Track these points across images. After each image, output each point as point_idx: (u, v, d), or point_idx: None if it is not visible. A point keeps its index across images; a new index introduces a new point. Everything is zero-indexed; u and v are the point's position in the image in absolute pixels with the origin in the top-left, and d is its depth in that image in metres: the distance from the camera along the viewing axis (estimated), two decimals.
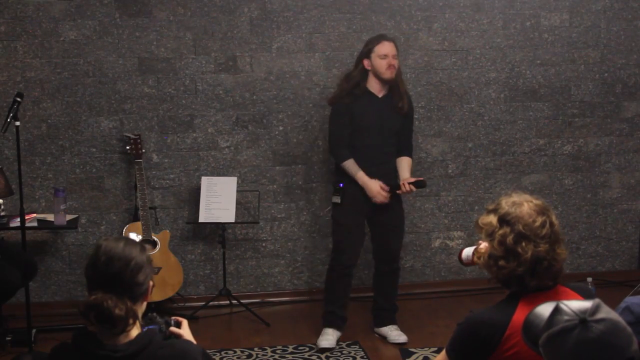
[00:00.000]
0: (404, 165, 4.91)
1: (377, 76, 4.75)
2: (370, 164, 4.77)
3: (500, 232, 2.45)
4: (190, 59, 5.38)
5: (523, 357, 2.34)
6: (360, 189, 4.77)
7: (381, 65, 4.72)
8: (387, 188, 4.76)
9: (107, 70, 5.31)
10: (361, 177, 4.75)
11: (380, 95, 4.80)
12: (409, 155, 4.95)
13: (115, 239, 2.39)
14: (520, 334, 2.08)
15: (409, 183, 4.76)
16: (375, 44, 4.75)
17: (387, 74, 4.73)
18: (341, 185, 4.82)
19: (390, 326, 4.96)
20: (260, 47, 5.43)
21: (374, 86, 4.79)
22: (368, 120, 4.76)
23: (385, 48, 4.73)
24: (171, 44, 5.35)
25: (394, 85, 4.80)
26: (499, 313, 2.44)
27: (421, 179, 4.86)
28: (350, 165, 4.76)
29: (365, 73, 4.78)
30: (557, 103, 5.77)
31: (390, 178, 4.84)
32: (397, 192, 4.80)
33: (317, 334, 4.95)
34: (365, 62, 4.75)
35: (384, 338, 4.94)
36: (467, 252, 2.75)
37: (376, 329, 5.02)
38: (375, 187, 4.74)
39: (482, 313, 2.46)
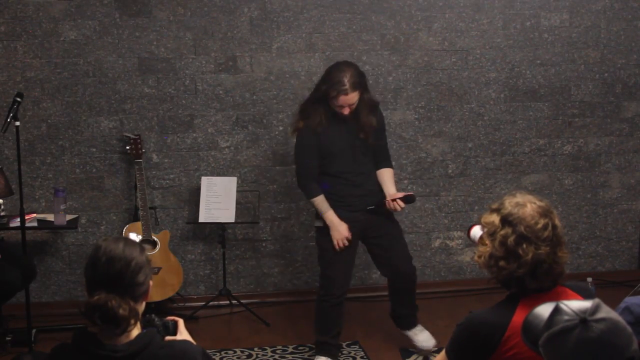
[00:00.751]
0: (386, 178, 4.60)
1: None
2: (346, 189, 4.49)
3: (502, 232, 2.45)
4: (190, 59, 5.38)
5: (523, 358, 2.34)
6: (343, 210, 4.48)
7: (336, 107, 4.38)
8: (349, 236, 4.45)
9: (107, 70, 5.31)
10: (329, 216, 4.44)
11: (346, 113, 4.43)
12: (389, 166, 4.65)
13: (114, 240, 2.39)
14: (520, 335, 2.08)
15: (400, 199, 4.44)
16: (333, 92, 4.32)
17: (341, 114, 4.40)
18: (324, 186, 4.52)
19: (414, 329, 4.75)
20: (260, 47, 5.43)
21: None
22: (337, 146, 4.46)
23: (341, 101, 4.34)
24: (171, 44, 5.35)
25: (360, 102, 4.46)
26: (499, 314, 2.44)
27: (410, 193, 4.55)
28: (320, 202, 4.46)
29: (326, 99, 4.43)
30: (557, 103, 5.77)
31: (374, 196, 4.54)
32: (384, 208, 4.49)
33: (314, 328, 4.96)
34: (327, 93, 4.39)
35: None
36: (476, 232, 2.75)
37: (402, 331, 4.80)
38: (339, 233, 4.43)
39: (482, 314, 2.46)
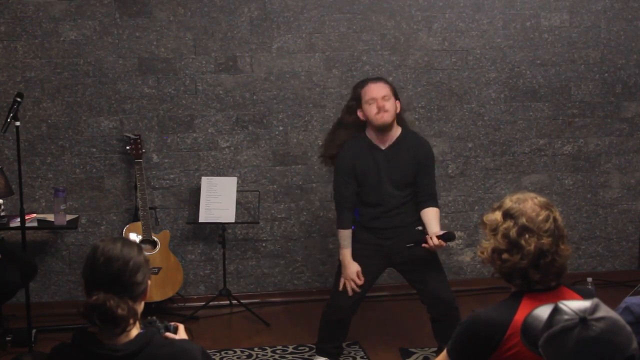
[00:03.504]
0: (431, 217, 4.30)
1: (372, 125, 4.25)
2: (376, 220, 4.32)
3: (504, 225, 2.47)
4: (190, 59, 5.38)
5: (524, 357, 2.34)
6: (375, 233, 4.35)
7: (371, 111, 4.21)
8: (358, 280, 4.28)
9: (107, 70, 5.31)
10: (343, 253, 4.30)
11: (384, 148, 4.30)
12: (434, 205, 4.34)
13: (111, 240, 2.40)
14: (520, 336, 2.09)
15: (437, 237, 4.13)
16: (360, 89, 4.27)
17: (379, 120, 4.21)
18: (353, 227, 4.36)
19: None
20: (260, 47, 5.43)
21: (374, 137, 4.30)
22: (371, 178, 4.30)
23: (372, 92, 4.22)
24: (171, 44, 5.35)
25: (404, 133, 4.33)
26: (501, 313, 2.44)
27: (451, 232, 4.32)
28: (343, 236, 4.31)
29: (362, 123, 4.31)
30: (557, 103, 5.77)
31: (404, 232, 4.32)
32: (423, 246, 4.19)
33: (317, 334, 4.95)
34: (359, 113, 4.27)
35: None
36: None
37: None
38: (349, 273, 4.28)
39: (484, 313, 2.46)
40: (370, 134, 4.30)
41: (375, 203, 4.34)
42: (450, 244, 5.77)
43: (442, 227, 5.72)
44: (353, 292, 4.31)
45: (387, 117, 4.20)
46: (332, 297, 4.44)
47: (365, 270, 4.32)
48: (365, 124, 4.29)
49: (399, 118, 4.33)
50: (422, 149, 4.39)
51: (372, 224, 4.36)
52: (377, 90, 4.22)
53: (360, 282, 4.28)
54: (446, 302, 4.31)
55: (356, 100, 4.29)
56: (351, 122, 4.32)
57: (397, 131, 4.32)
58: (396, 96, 4.29)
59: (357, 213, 4.40)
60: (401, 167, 4.31)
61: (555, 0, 5.66)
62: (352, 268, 4.28)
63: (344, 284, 4.32)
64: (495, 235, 2.49)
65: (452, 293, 4.38)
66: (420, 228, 4.36)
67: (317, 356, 4.59)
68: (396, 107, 4.27)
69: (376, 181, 4.31)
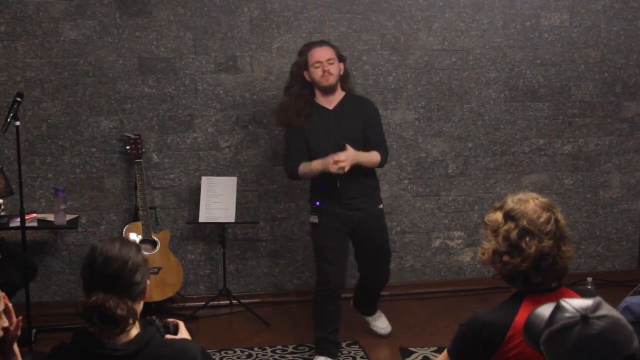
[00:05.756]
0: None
1: (318, 87, 4.54)
2: (332, 183, 4.49)
3: (505, 227, 2.45)
4: (190, 59, 5.38)
5: (525, 358, 2.34)
6: (338, 206, 4.54)
7: (317, 73, 4.49)
8: (334, 157, 4.39)
9: (107, 70, 5.31)
10: (315, 163, 4.46)
11: (331, 107, 4.57)
12: (379, 152, 4.59)
13: (110, 240, 2.40)
14: (522, 335, 2.08)
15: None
16: (307, 52, 4.52)
17: (323, 82, 4.49)
18: (318, 203, 4.56)
19: (373, 315, 5.00)
20: (260, 47, 5.43)
21: (321, 99, 4.58)
22: (321, 140, 4.51)
23: (316, 54, 4.49)
24: (171, 44, 5.35)
25: (347, 94, 4.62)
26: (502, 314, 2.43)
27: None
28: (303, 167, 4.50)
29: (309, 87, 4.56)
30: (557, 103, 5.77)
31: (366, 192, 4.59)
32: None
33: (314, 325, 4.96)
34: (305, 75, 4.54)
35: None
36: None
37: (362, 316, 5.01)
38: (326, 161, 4.39)
39: (485, 313, 2.46)
40: (317, 96, 4.57)
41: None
42: (450, 243, 5.78)
43: (443, 226, 5.76)
44: (338, 263, 4.53)
45: (332, 79, 4.50)
46: (319, 276, 4.61)
47: (337, 244, 4.54)
48: (312, 86, 4.55)
49: (342, 81, 4.61)
50: (366, 105, 4.67)
51: (332, 193, 4.51)
52: (322, 53, 4.49)
53: (338, 159, 4.35)
54: (381, 281, 4.83)
55: (303, 62, 4.53)
56: (298, 88, 4.56)
57: (341, 93, 4.62)
58: (340, 58, 4.57)
59: (318, 201, 4.57)
60: (349, 125, 4.54)
61: (555, 0, 5.66)
62: (325, 159, 4.40)
63: (336, 167, 4.37)
64: (496, 237, 2.48)
65: (389, 273, 4.85)
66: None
67: (317, 356, 4.59)
68: (340, 69, 4.55)
69: (327, 141, 4.49)
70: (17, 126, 4.58)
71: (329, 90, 4.54)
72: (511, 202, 2.49)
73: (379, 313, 5.00)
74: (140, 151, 5.19)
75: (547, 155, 5.80)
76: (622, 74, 5.80)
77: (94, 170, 5.39)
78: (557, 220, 2.45)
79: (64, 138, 5.33)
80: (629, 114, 5.86)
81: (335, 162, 4.37)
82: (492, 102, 5.69)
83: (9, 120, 4.50)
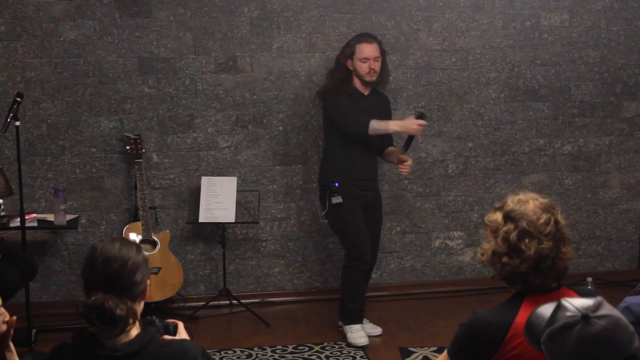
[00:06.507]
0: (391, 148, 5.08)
1: (360, 78, 4.87)
2: (360, 167, 4.86)
3: (504, 228, 2.44)
4: (190, 59, 5.38)
5: (526, 358, 2.34)
6: (355, 187, 4.84)
7: (362, 69, 4.82)
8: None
9: (107, 70, 5.31)
10: (393, 123, 4.79)
11: (366, 94, 4.93)
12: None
13: (110, 240, 2.40)
14: (524, 335, 2.08)
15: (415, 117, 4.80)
16: (356, 44, 4.83)
17: (367, 78, 4.85)
18: (337, 184, 4.81)
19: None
20: (260, 47, 5.43)
21: (359, 85, 4.91)
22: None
23: (365, 50, 4.81)
24: (171, 44, 5.35)
25: (373, 87, 4.96)
26: (502, 314, 2.43)
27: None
28: (377, 124, 4.71)
29: (349, 73, 4.88)
30: (557, 103, 5.77)
31: (374, 176, 5.00)
32: (415, 128, 4.77)
33: (317, 333, 4.96)
34: (348, 63, 4.86)
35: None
36: None
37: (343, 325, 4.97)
38: (409, 121, 4.74)
39: (485, 314, 2.45)
40: (355, 83, 4.88)
41: (359, 146, 4.81)
42: (450, 243, 5.78)
43: (443, 226, 5.75)
44: (366, 235, 4.79)
45: (375, 77, 4.87)
46: (353, 252, 4.81)
47: (361, 220, 4.82)
48: (350, 74, 4.86)
49: (381, 77, 4.96)
50: (387, 100, 5.10)
51: (356, 175, 4.83)
52: (371, 51, 4.80)
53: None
54: (373, 257, 5.03)
55: (347, 50, 4.85)
56: (340, 74, 4.87)
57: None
58: (383, 54, 4.92)
59: (337, 182, 4.81)
60: (379, 111, 4.90)
61: (555, 0, 5.66)
62: (408, 120, 4.77)
63: (417, 127, 4.74)
64: (495, 238, 2.47)
65: (375, 258, 5.07)
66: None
67: (352, 325, 4.82)
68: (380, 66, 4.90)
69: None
70: (17, 126, 4.57)
71: (368, 83, 4.89)
72: (511, 202, 2.49)
73: (364, 320, 5.03)
74: (140, 151, 5.19)
75: (547, 155, 5.80)
76: (622, 74, 5.80)
77: (94, 170, 5.39)
78: (557, 222, 2.45)
79: (64, 138, 5.33)
80: (629, 114, 5.86)
81: (415, 125, 4.71)
82: (492, 102, 5.69)
83: (9, 120, 4.50)
